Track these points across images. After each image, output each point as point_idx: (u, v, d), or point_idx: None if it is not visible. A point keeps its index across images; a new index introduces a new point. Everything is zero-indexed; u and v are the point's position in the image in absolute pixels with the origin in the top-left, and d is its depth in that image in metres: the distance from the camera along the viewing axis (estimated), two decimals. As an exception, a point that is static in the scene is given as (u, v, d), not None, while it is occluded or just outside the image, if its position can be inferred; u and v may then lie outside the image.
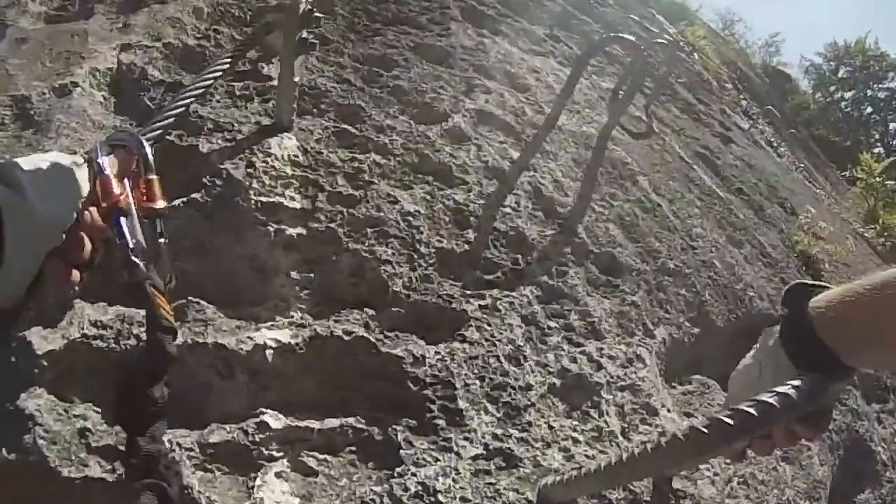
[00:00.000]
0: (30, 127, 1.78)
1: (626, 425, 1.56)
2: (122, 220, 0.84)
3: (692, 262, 2.26)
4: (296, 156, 1.70)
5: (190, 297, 1.44)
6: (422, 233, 1.62)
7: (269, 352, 1.36)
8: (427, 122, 2.05)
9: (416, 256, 1.58)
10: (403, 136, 1.92)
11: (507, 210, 1.83)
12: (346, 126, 1.89)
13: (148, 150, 0.94)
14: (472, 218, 1.74)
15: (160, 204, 0.91)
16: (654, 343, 1.82)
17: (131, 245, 0.85)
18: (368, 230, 1.59)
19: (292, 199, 1.59)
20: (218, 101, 1.88)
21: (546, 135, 2.28)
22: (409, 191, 1.74)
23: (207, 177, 1.58)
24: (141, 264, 0.87)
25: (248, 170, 1.59)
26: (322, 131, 1.84)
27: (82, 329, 1.37)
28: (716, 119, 4.32)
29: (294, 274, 1.52)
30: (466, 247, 1.66)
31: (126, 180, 0.89)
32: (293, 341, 1.39)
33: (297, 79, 1.66)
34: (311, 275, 1.53)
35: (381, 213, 1.62)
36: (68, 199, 0.77)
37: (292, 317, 1.46)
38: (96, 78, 1.93)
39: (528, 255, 1.75)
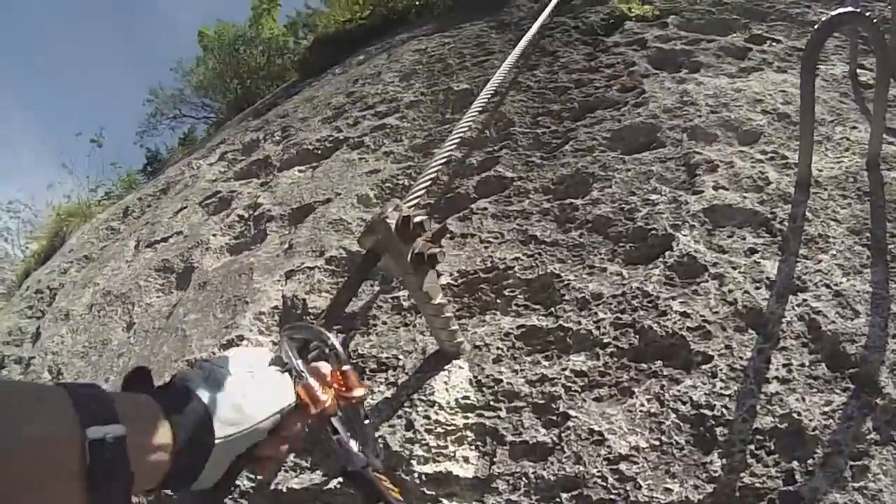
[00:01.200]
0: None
1: None
2: (333, 419, 0.90)
3: None
4: (466, 397, 1.31)
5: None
6: (640, 486, 1.10)
7: None
8: (646, 261, 1.55)
9: None
10: (615, 305, 1.44)
11: (772, 387, 1.21)
12: (536, 318, 1.47)
13: (336, 342, 0.97)
14: (719, 427, 1.16)
15: (359, 392, 0.92)
16: None
17: (346, 439, 0.91)
18: (563, 497, 1.13)
19: (465, 462, 1.20)
20: (385, 324, 1.62)
21: (804, 206, 1.61)
22: (624, 402, 1.24)
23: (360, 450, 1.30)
24: (359, 453, 0.91)
25: (408, 433, 1.26)
26: (503, 341, 1.43)
27: None
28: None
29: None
30: (710, 486, 1.09)
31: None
32: None
33: (437, 301, 1.31)
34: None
35: (580, 467, 1.14)
36: (272, 407, 0.83)
37: None
38: (263, 322, 1.81)
39: (808, 458, 1.10)
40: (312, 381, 0.89)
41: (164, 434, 0.69)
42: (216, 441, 0.74)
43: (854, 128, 1.91)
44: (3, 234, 11.13)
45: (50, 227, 5.88)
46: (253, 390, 0.82)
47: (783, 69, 2.29)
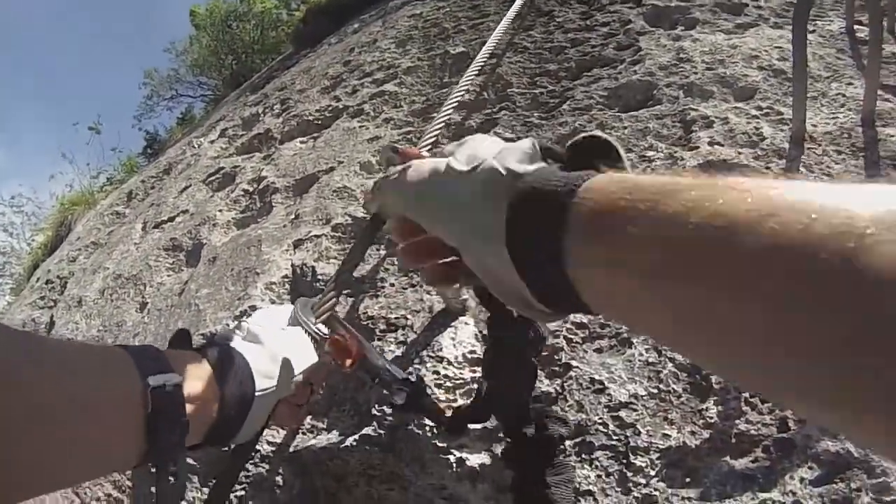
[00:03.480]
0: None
1: None
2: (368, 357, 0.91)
3: None
4: (473, 351, 1.35)
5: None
6: (639, 433, 1.14)
7: None
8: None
9: (630, 474, 1.10)
10: None
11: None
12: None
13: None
14: (714, 375, 1.19)
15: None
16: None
17: (388, 373, 0.94)
18: (567, 444, 1.16)
19: (473, 413, 1.27)
20: (392, 286, 1.66)
21: (798, 162, 1.63)
22: (624, 353, 1.27)
23: (376, 406, 1.35)
24: (407, 378, 0.96)
25: (418, 388, 1.32)
26: (506, 297, 1.47)
27: None
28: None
29: (487, 510, 1.20)
30: (707, 432, 1.12)
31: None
32: None
33: (440, 261, 1.35)
34: (506, 509, 1.19)
35: (583, 415, 1.18)
36: (305, 361, 0.86)
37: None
38: (274, 291, 1.86)
39: (801, 408, 1.14)
40: (338, 337, 0.90)
41: (210, 386, 0.71)
42: (256, 393, 0.76)
43: (850, 84, 1.92)
44: (8, 228, 11.24)
45: (54, 218, 5.92)
46: (288, 344, 0.85)
47: (779, 25, 2.29)
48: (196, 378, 0.70)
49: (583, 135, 0.53)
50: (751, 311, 0.32)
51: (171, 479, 0.64)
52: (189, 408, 0.66)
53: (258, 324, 0.88)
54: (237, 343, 0.82)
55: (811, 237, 0.30)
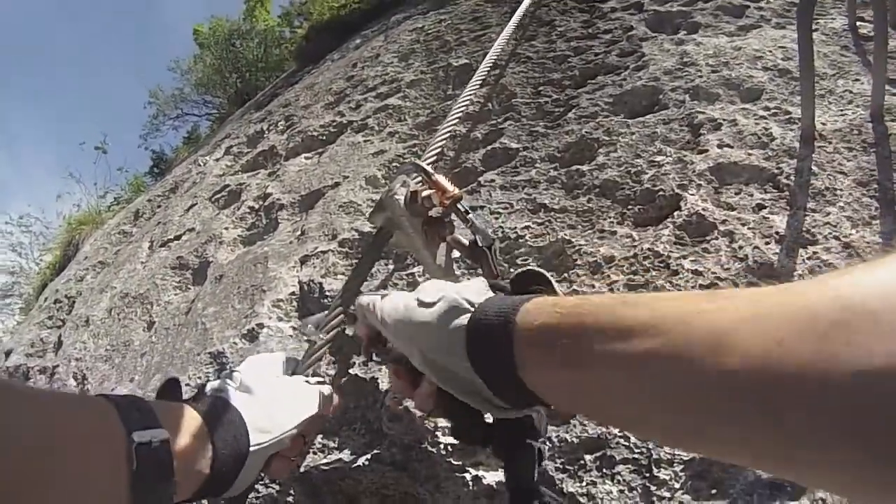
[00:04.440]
0: (229, 385, 1.75)
1: None
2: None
3: None
4: None
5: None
6: (661, 445, 1.09)
7: None
8: (655, 222, 1.55)
9: (653, 488, 1.05)
10: (626, 267, 1.43)
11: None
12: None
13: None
14: None
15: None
16: None
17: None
18: (587, 458, 1.15)
19: (490, 430, 1.24)
20: (400, 298, 1.65)
21: (809, 161, 1.61)
22: None
23: (387, 425, 1.32)
24: None
25: (431, 407, 1.29)
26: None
27: None
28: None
29: (506, 531, 1.17)
30: None
31: None
32: None
33: (451, 274, 1.32)
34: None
35: (603, 428, 1.14)
36: (299, 414, 0.85)
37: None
38: (281, 308, 1.84)
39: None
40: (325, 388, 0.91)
41: (202, 442, 0.70)
42: (251, 448, 0.75)
43: (857, 80, 1.90)
44: (17, 248, 11.28)
45: (62, 238, 5.94)
46: (282, 396, 0.85)
47: (781, 25, 2.27)
48: (187, 432, 0.68)
49: (521, 270, 0.69)
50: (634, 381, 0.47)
51: None
52: (178, 463, 0.63)
53: (250, 373, 0.86)
54: (230, 394, 0.79)
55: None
